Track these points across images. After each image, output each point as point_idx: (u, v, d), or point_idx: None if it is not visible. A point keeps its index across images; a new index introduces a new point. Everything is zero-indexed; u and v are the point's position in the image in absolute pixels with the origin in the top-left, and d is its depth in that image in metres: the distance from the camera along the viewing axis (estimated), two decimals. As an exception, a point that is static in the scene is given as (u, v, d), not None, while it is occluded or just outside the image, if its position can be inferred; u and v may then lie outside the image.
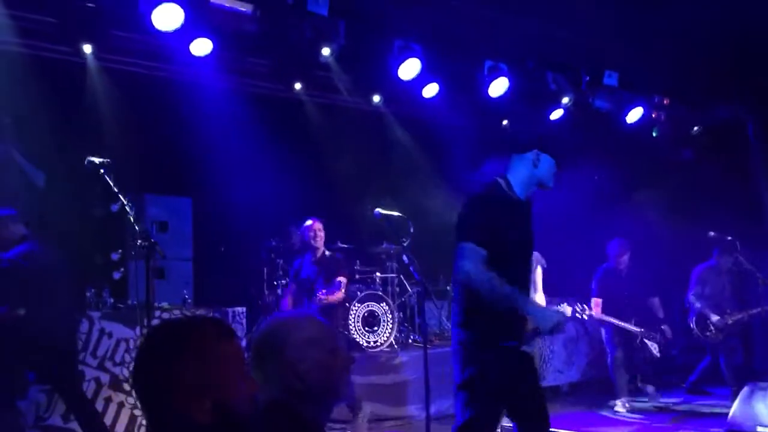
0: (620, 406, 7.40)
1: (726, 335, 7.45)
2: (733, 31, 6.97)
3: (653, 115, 8.82)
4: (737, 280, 7.78)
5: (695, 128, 9.39)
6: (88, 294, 6.20)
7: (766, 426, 5.47)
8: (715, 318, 7.41)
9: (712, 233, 7.38)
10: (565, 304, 6.42)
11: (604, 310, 7.26)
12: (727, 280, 7.68)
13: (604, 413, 7.49)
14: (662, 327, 7.34)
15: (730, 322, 7.42)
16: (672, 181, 9.63)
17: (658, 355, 7.27)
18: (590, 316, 6.99)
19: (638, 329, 7.27)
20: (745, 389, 5.91)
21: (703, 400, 7.68)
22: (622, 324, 7.23)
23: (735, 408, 5.87)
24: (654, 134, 9.20)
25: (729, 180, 9.07)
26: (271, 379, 1.87)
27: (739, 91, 8.78)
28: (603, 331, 7.63)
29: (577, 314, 6.95)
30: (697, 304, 7.52)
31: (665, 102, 8.82)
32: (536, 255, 6.66)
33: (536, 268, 6.57)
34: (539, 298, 6.48)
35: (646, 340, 7.27)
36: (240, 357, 1.57)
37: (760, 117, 9.18)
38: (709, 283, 7.60)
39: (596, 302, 7.25)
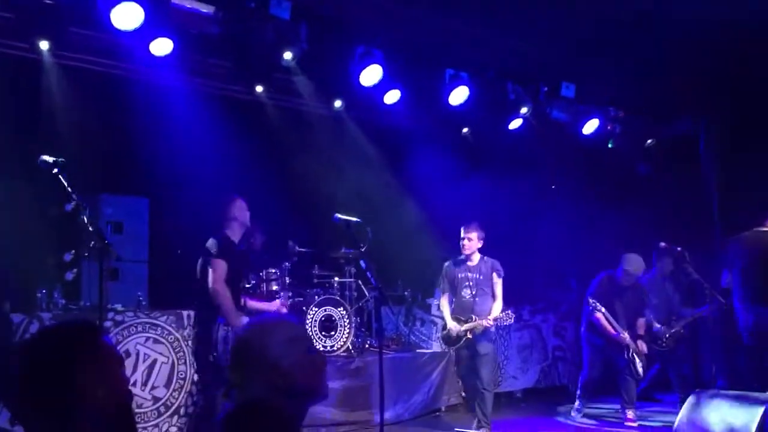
0: (574, 412, 7.54)
1: (675, 344, 7.62)
2: (687, 46, 7.17)
3: (609, 128, 9.01)
4: (686, 289, 7.98)
5: (649, 141, 9.61)
6: (38, 295, 6.08)
7: (711, 432, 5.60)
8: (657, 326, 7.57)
9: (662, 244, 7.54)
10: (509, 311, 6.53)
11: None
12: (673, 288, 7.85)
13: (557, 418, 7.61)
14: (638, 342, 7.27)
15: (676, 329, 7.60)
16: (626, 192, 9.84)
17: (641, 371, 7.22)
18: (597, 317, 7.05)
19: (632, 343, 7.16)
20: (692, 397, 6.05)
21: (653, 407, 7.85)
22: (622, 335, 7.09)
23: (681, 415, 6.01)
24: (610, 146, 9.39)
25: (681, 192, 9.30)
26: (254, 379, 1.99)
27: (691, 105, 9.02)
28: (583, 348, 7.60)
29: (596, 312, 7.04)
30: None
31: (620, 115, 9.02)
32: (493, 263, 6.67)
33: (491, 275, 6.61)
34: (496, 304, 6.55)
35: (635, 356, 7.19)
36: (116, 355, 1.76)
37: (711, 131, 9.43)
38: (654, 293, 7.75)
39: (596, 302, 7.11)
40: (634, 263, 7.20)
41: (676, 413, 6.20)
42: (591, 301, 7.10)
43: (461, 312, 6.55)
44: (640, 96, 8.68)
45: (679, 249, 7.51)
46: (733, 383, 8.28)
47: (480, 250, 6.71)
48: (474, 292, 6.52)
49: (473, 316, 6.44)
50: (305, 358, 2.06)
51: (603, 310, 7.00)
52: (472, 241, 6.52)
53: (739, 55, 7.47)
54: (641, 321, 7.43)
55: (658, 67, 7.66)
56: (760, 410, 5.17)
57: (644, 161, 9.83)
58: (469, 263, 6.61)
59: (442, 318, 6.83)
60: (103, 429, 1.63)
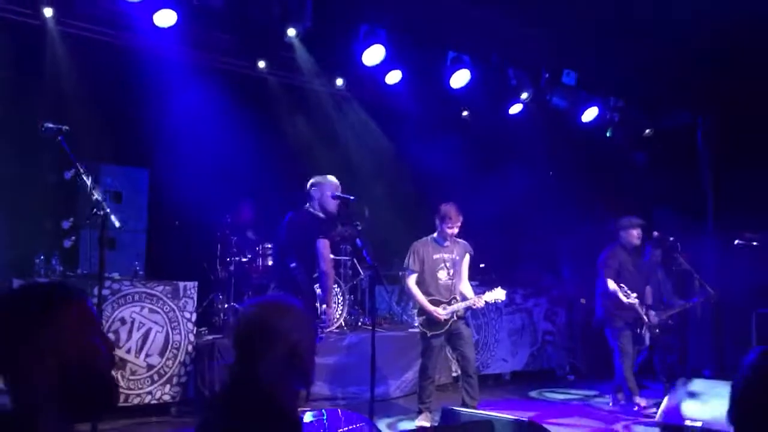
0: (644, 401, 7.11)
1: (662, 332, 7.71)
2: (688, 39, 7.20)
3: (608, 117, 9.05)
4: (676, 279, 8.07)
5: (647, 131, 9.66)
6: (36, 260, 6.14)
7: (693, 420, 5.71)
8: (652, 314, 7.65)
9: (656, 233, 7.60)
10: (499, 288, 6.32)
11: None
12: (664, 277, 7.94)
13: (537, 396, 7.73)
14: (648, 312, 7.20)
15: (665, 317, 7.68)
16: (622, 181, 9.91)
17: (648, 343, 7.22)
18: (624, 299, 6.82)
19: (650, 321, 7.07)
20: (678, 384, 6.17)
21: (640, 392, 7.95)
22: (645, 316, 7.01)
23: (666, 402, 6.13)
24: (608, 134, 9.44)
25: (677, 182, 9.37)
26: (263, 357, 2.03)
27: (690, 99, 9.07)
28: (608, 332, 7.32)
29: (624, 298, 6.82)
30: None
31: (620, 104, 9.06)
32: (465, 244, 6.44)
33: (464, 256, 6.42)
34: (465, 285, 6.40)
35: (647, 330, 7.14)
36: (89, 316, 1.67)
37: (709, 123, 9.50)
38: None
39: (614, 284, 6.94)
40: (633, 221, 7.24)
41: (661, 400, 6.33)
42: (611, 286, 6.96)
43: (440, 294, 6.23)
44: (641, 87, 8.72)
45: (671, 239, 7.58)
46: (719, 373, 8.42)
47: (468, 232, 6.54)
48: (451, 273, 6.28)
49: (456, 297, 6.24)
50: (312, 342, 2.16)
51: (626, 293, 6.86)
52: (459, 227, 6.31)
53: (740, 51, 7.50)
54: (648, 290, 7.41)
55: (659, 58, 7.69)
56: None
57: (641, 151, 9.90)
58: (444, 244, 6.33)
59: (414, 301, 6.39)
60: (67, 388, 1.59)
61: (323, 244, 5.44)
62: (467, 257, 6.44)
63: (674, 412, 5.91)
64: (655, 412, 6.31)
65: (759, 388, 1.33)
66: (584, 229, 9.57)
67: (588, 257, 7.90)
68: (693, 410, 5.78)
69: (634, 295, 6.83)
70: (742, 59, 7.62)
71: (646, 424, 6.50)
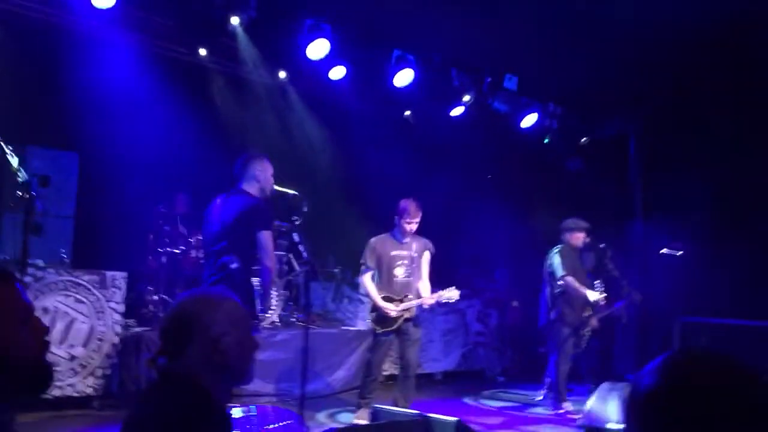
0: (570, 406, 7.18)
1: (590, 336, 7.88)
2: (625, 50, 7.40)
3: (546, 123, 9.22)
4: (604, 284, 8.26)
5: (584, 139, 9.88)
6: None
7: (616, 423, 5.85)
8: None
9: (587, 239, 7.75)
10: (454, 288, 6.23)
11: None
12: (592, 282, 8.12)
13: (472, 402, 7.81)
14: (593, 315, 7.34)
15: (594, 321, 7.84)
16: (558, 187, 10.11)
17: (584, 346, 7.33)
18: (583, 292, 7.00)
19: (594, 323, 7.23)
20: (602, 387, 6.31)
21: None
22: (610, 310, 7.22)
23: (590, 404, 6.26)
24: (545, 141, 9.61)
25: (609, 189, 9.61)
26: (189, 351, 1.95)
27: (624, 108, 9.32)
28: (552, 335, 7.33)
29: (595, 296, 7.02)
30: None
31: (558, 111, 9.24)
32: (426, 241, 6.35)
33: (424, 253, 6.30)
34: (424, 284, 6.28)
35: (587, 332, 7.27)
36: (17, 300, 1.64)
37: (641, 133, 9.77)
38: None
39: (573, 281, 7.08)
40: (578, 224, 7.37)
41: (585, 402, 6.46)
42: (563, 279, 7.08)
43: (394, 292, 6.13)
44: (578, 95, 8.91)
45: (602, 245, 7.74)
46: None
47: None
48: (409, 272, 6.17)
49: (409, 296, 6.16)
50: (245, 340, 2.04)
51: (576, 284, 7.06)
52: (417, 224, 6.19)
53: (672, 65, 7.74)
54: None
55: (597, 66, 7.86)
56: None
57: (577, 158, 10.11)
58: (403, 241, 6.22)
59: (368, 297, 6.30)
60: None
61: (267, 236, 4.96)
62: (427, 254, 6.32)
63: (597, 414, 6.05)
64: (579, 415, 6.48)
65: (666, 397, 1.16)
66: (518, 233, 9.72)
67: (520, 261, 8.01)
68: (616, 412, 5.92)
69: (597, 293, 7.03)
70: (675, 73, 7.87)
71: (570, 425, 6.63)
